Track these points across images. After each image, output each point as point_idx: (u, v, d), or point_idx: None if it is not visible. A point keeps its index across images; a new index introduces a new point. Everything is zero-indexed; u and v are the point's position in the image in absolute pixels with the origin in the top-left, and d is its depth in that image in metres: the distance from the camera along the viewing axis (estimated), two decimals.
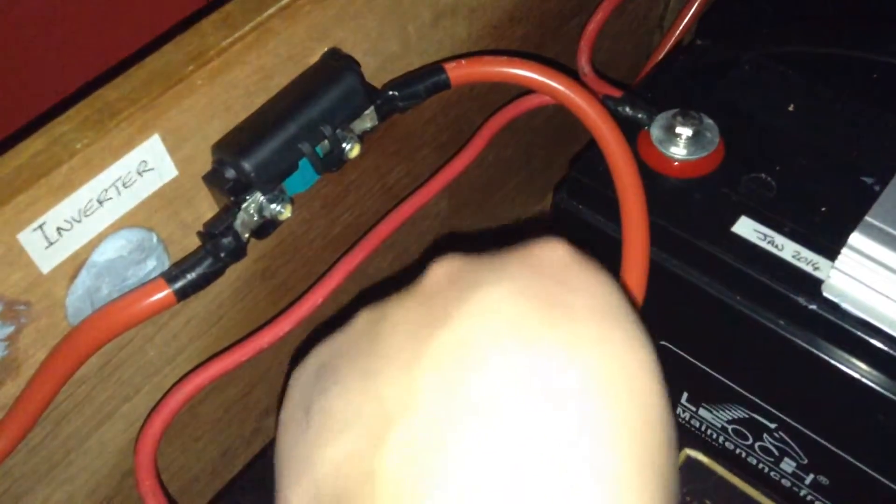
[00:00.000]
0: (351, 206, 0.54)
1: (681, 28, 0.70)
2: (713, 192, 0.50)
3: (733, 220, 0.49)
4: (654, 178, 0.51)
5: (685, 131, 0.50)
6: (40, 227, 0.35)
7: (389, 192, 0.57)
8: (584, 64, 0.57)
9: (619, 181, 0.45)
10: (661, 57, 0.70)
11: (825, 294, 0.45)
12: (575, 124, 0.76)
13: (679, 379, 0.57)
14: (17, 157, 0.35)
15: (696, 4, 0.70)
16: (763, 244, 0.47)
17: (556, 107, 0.69)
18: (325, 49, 0.44)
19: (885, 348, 0.44)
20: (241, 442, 0.59)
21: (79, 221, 0.37)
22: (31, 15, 0.57)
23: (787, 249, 0.47)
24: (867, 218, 0.45)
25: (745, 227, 0.48)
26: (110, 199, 0.37)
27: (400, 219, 0.52)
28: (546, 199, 0.80)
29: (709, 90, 0.55)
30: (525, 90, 0.60)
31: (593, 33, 0.58)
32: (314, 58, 0.44)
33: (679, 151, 0.50)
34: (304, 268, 0.53)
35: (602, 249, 0.53)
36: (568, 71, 0.52)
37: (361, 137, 0.44)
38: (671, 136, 0.51)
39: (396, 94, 0.45)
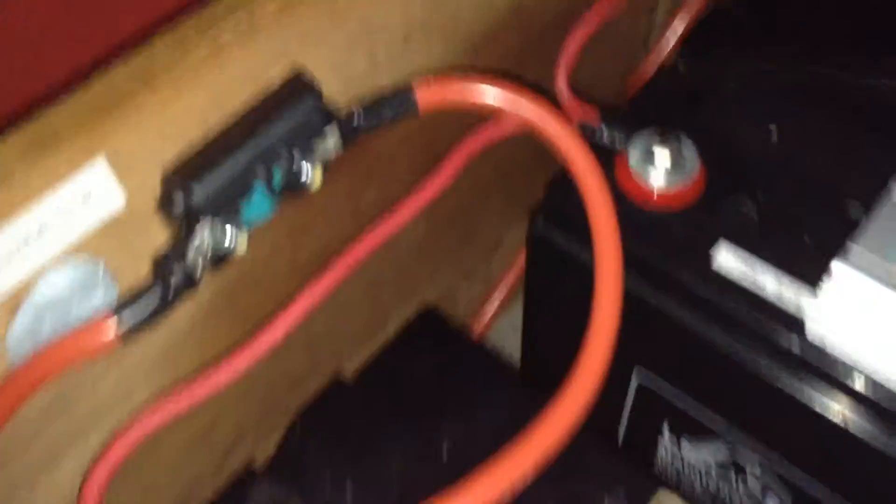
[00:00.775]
0: (319, 231, 0.52)
1: (666, 49, 0.68)
2: (693, 219, 0.48)
3: (713, 250, 0.47)
4: (631, 206, 0.49)
5: (663, 155, 0.48)
6: None
7: (360, 218, 0.55)
8: (561, 85, 0.55)
9: (591, 212, 0.43)
10: (645, 78, 0.69)
11: (807, 332, 0.43)
12: None
13: (660, 407, 0.54)
14: None
15: (680, 24, 0.69)
16: (744, 276, 0.45)
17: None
18: (287, 69, 0.42)
19: (866, 391, 0.42)
20: (205, 480, 0.56)
21: (17, 253, 0.34)
22: None
23: (770, 282, 0.45)
24: (850, 244, 0.43)
25: (726, 257, 0.46)
26: (52, 228, 0.35)
27: (370, 246, 0.50)
28: (527, 219, 0.78)
29: (690, 112, 0.53)
30: None
31: (573, 53, 0.56)
32: (273, 78, 0.41)
33: (658, 179, 0.48)
34: (268, 297, 0.51)
35: (578, 278, 0.52)
36: (546, 92, 0.50)
37: (325, 166, 0.42)
38: (649, 158, 0.49)
39: (361, 116, 0.43)
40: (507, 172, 0.70)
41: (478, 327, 0.75)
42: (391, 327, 0.69)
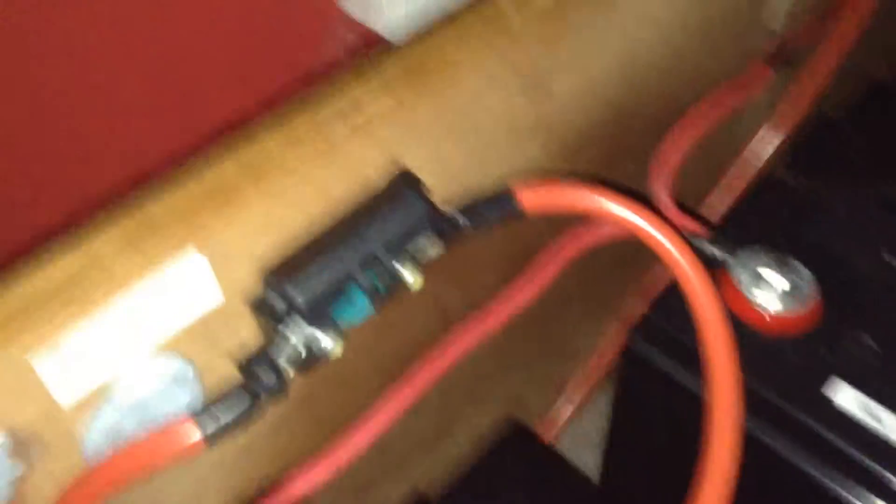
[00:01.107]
0: (404, 333, 0.50)
1: (759, 157, 0.66)
2: (808, 349, 0.45)
3: (830, 387, 0.43)
4: (737, 329, 0.45)
5: (777, 280, 0.45)
6: (61, 352, 0.31)
7: (445, 317, 0.53)
8: (660, 192, 0.53)
9: (704, 335, 0.40)
10: (733, 183, 0.66)
11: None
12: (639, 247, 0.72)
13: None
14: (45, 272, 0.31)
15: (777, 133, 0.66)
16: (864, 418, 0.42)
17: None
18: (392, 167, 0.40)
19: None
20: None
21: (107, 349, 0.33)
22: (75, 107, 0.54)
23: (893, 426, 0.41)
24: None
25: (845, 396, 0.43)
26: (145, 323, 0.33)
27: (456, 354, 0.47)
28: (604, 325, 0.75)
29: (798, 231, 0.50)
30: None
31: (670, 158, 0.54)
32: (378, 174, 0.40)
33: (770, 300, 0.45)
34: (347, 397, 0.48)
35: (676, 401, 0.48)
36: (642, 198, 0.48)
37: (423, 265, 0.40)
38: (756, 279, 0.46)
39: (465, 220, 0.41)
40: (590, 280, 0.67)
41: (548, 435, 0.72)
42: (460, 432, 0.65)
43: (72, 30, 0.52)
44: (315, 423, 0.47)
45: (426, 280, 0.48)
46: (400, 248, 0.38)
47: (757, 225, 0.51)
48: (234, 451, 0.42)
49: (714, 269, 0.47)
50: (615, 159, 0.59)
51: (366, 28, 0.67)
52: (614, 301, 0.73)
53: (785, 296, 0.45)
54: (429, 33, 0.41)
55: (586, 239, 0.50)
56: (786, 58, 0.62)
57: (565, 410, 0.72)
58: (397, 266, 0.37)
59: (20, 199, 0.56)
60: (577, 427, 0.83)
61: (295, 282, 0.35)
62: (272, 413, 0.43)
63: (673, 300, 0.47)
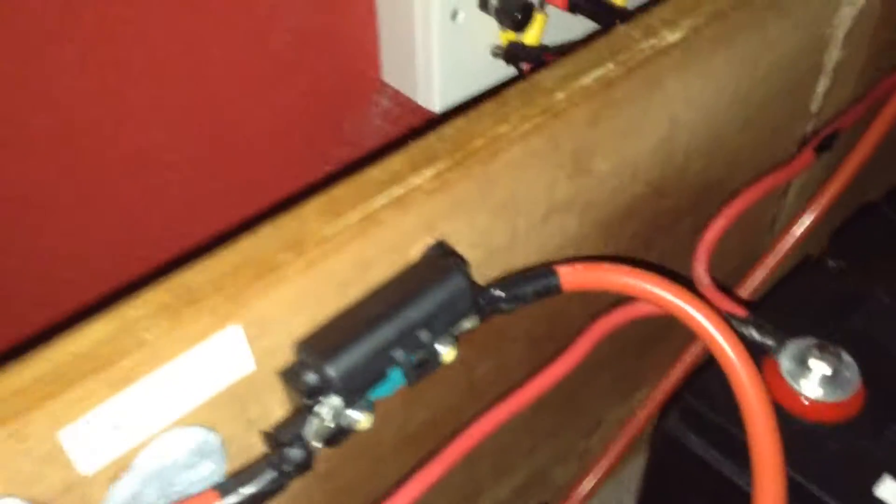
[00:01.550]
0: (431, 402, 0.49)
1: (798, 240, 0.65)
2: (852, 443, 0.43)
3: (876, 481, 0.41)
4: (780, 416, 0.44)
5: (821, 368, 0.44)
6: (88, 423, 0.30)
7: (473, 388, 0.52)
8: (701, 273, 0.52)
9: (749, 422, 0.39)
10: (771, 266, 0.65)
11: None
12: (670, 326, 0.70)
13: None
14: (79, 342, 0.31)
15: (816, 216, 0.65)
16: None
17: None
18: (430, 241, 0.40)
19: None
20: None
21: (133, 419, 0.32)
22: (116, 175, 0.55)
23: None
24: None
25: (891, 491, 0.41)
26: (173, 394, 0.33)
27: (485, 429, 0.46)
28: (632, 398, 0.73)
29: (844, 320, 0.49)
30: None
31: (712, 241, 0.53)
32: (418, 249, 0.39)
33: (813, 389, 0.44)
34: (370, 468, 0.47)
35: (711, 487, 0.47)
36: (679, 276, 0.47)
37: (457, 339, 0.39)
38: (803, 369, 0.45)
39: (502, 295, 0.41)
40: (620, 353, 0.66)
41: None
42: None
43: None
44: (335, 496, 0.45)
45: (458, 350, 0.48)
46: (437, 322, 0.37)
47: (797, 309, 0.50)
48: None
49: (757, 354, 0.46)
50: (652, 238, 0.58)
51: (406, 98, 0.68)
52: (642, 375, 0.72)
53: (827, 382, 0.43)
54: (472, 109, 0.41)
55: (623, 316, 0.49)
56: (825, 141, 0.62)
57: (587, 485, 0.70)
58: (435, 343, 0.37)
59: (66, 277, 0.56)
60: (597, 501, 0.81)
61: (332, 359, 0.34)
62: (292, 485, 0.42)
63: (711, 381, 0.46)
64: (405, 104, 0.69)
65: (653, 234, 0.58)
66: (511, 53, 0.58)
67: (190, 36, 0.54)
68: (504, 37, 0.60)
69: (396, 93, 0.68)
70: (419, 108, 0.66)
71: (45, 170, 0.52)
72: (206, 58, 0.55)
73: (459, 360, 0.49)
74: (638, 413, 0.71)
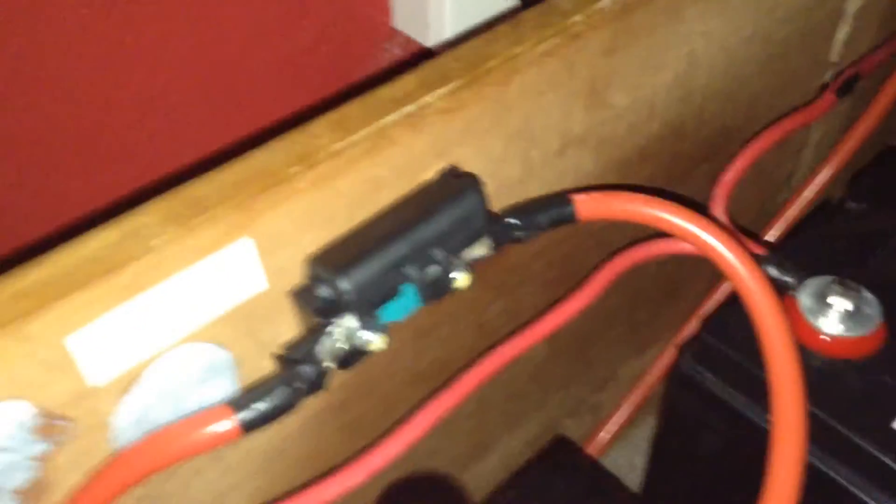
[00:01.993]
0: (443, 339, 0.48)
1: (819, 186, 0.64)
2: (872, 378, 0.42)
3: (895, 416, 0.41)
4: (800, 353, 0.43)
5: (842, 303, 0.43)
6: (95, 331, 0.30)
7: (485, 329, 0.51)
8: (719, 214, 0.51)
9: (771, 356, 0.38)
10: (791, 213, 0.64)
11: None
12: (688, 276, 0.69)
13: None
14: (82, 246, 0.30)
15: (834, 164, 0.64)
16: None
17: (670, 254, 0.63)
18: (443, 165, 0.39)
19: None
20: None
21: (143, 329, 0.31)
22: (128, 87, 0.54)
23: None
24: None
25: None
26: (183, 307, 0.32)
27: (497, 363, 0.45)
28: (646, 353, 0.72)
29: (864, 260, 0.48)
30: (649, 232, 0.54)
31: (730, 182, 0.52)
32: (429, 173, 0.39)
33: (833, 326, 0.43)
34: (381, 404, 0.47)
35: (727, 426, 0.46)
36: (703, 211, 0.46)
37: (471, 266, 0.39)
38: (823, 306, 0.44)
39: (517, 222, 0.40)
40: (635, 304, 0.65)
41: None
42: (494, 456, 0.63)
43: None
44: (346, 431, 0.45)
45: (469, 287, 0.47)
46: (453, 244, 0.36)
47: (817, 250, 0.49)
48: (263, 451, 0.40)
49: (782, 294, 0.45)
50: (668, 183, 0.57)
51: (417, 45, 0.67)
52: (655, 331, 0.71)
53: (849, 319, 0.42)
54: (488, 32, 0.40)
55: (641, 253, 0.48)
56: (846, 84, 0.60)
57: (602, 440, 0.70)
58: (449, 262, 0.36)
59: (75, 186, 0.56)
60: (609, 460, 0.80)
61: (345, 272, 0.33)
62: (304, 414, 0.42)
63: (727, 320, 0.45)
64: (416, 51, 0.68)
65: (668, 179, 0.57)
66: None
67: None
68: None
69: (408, 40, 0.67)
70: (430, 55, 0.65)
71: (56, 106, 0.52)
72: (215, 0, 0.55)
73: (471, 298, 0.48)
74: (651, 370, 0.70)
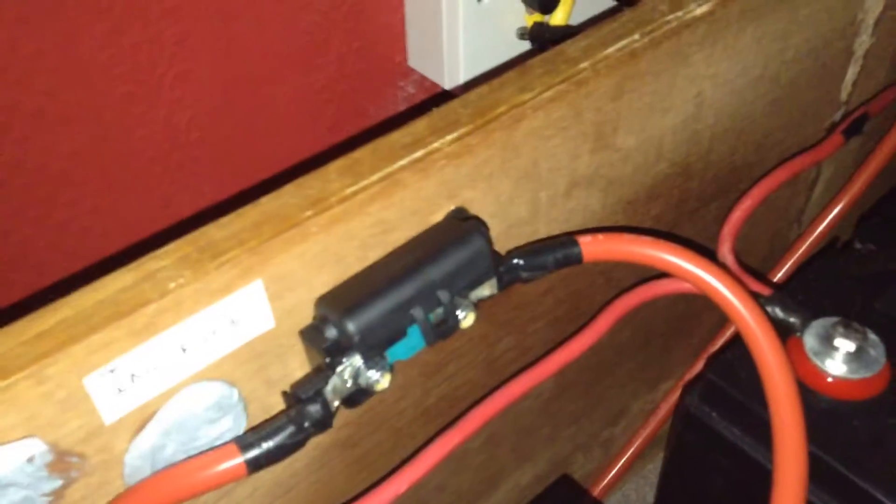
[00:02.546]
0: (450, 376, 0.49)
1: (826, 225, 0.64)
2: (876, 421, 0.42)
3: None
4: (804, 394, 0.43)
5: (846, 345, 0.43)
6: (111, 371, 0.31)
7: (493, 365, 0.52)
8: (726, 253, 0.51)
9: (772, 397, 0.38)
10: (800, 252, 0.64)
11: None
12: (699, 312, 0.70)
13: None
14: (100, 290, 0.31)
15: (844, 203, 0.65)
16: None
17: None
18: (452, 208, 0.40)
19: None
20: None
21: (156, 369, 0.32)
22: (143, 133, 0.56)
23: None
24: None
25: None
26: (195, 347, 0.33)
27: (505, 400, 0.46)
28: (658, 389, 0.73)
29: (870, 301, 0.48)
30: (658, 271, 0.54)
31: (738, 221, 0.53)
32: (439, 216, 0.40)
33: (838, 368, 0.43)
34: (389, 440, 0.47)
35: (732, 466, 0.46)
36: (710, 256, 0.47)
37: (476, 305, 0.39)
38: (828, 348, 0.44)
39: (522, 263, 0.41)
40: (646, 339, 0.65)
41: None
42: (502, 492, 0.64)
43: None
44: (354, 467, 0.46)
45: (477, 324, 0.48)
46: (459, 285, 0.37)
47: (823, 290, 0.49)
48: (269, 488, 0.41)
49: (786, 335, 0.46)
50: (676, 222, 0.58)
51: (431, 84, 0.68)
52: (666, 368, 0.71)
53: (854, 360, 0.43)
54: (496, 80, 0.41)
55: (647, 292, 0.48)
56: (854, 124, 0.61)
57: (610, 475, 0.70)
58: (455, 303, 0.37)
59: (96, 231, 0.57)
60: (621, 495, 0.80)
61: (352, 314, 0.34)
62: (312, 450, 0.42)
63: (733, 360, 0.46)
64: (430, 90, 0.70)
65: (677, 218, 0.57)
66: (536, 34, 0.58)
67: (221, 12, 0.54)
68: (529, 18, 0.60)
69: (423, 78, 0.68)
70: (445, 94, 0.66)
71: (78, 138, 0.53)
72: (236, 35, 0.56)
73: (479, 335, 0.49)
74: (662, 405, 0.71)
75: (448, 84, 0.64)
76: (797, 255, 0.64)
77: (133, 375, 0.32)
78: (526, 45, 0.63)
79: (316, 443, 0.42)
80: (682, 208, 0.57)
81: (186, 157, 0.59)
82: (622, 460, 0.71)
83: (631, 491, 0.82)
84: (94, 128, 0.54)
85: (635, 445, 0.71)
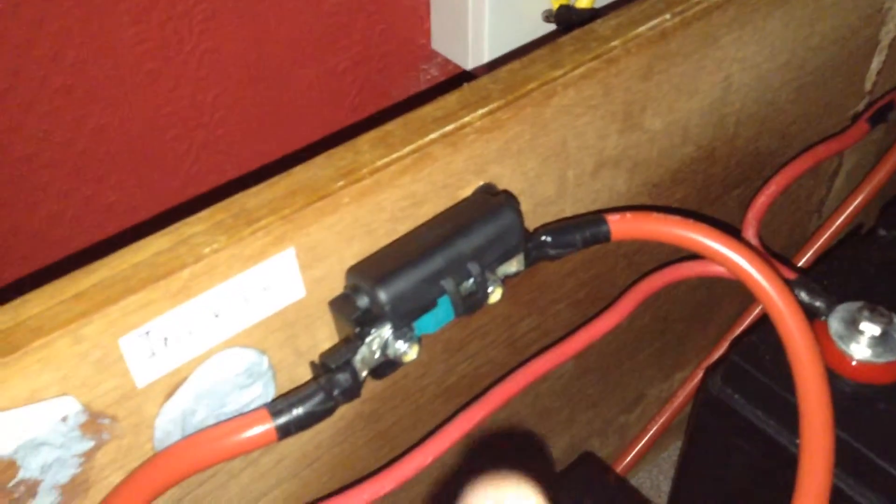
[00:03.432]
0: (473, 354, 0.49)
1: (848, 212, 0.64)
2: None
3: None
4: (828, 378, 0.43)
5: (871, 329, 0.43)
6: (146, 334, 0.31)
7: (514, 345, 0.52)
8: (750, 238, 0.51)
9: (800, 378, 0.38)
10: (823, 239, 0.64)
11: None
12: (718, 301, 0.70)
13: None
14: (137, 253, 0.31)
15: (866, 193, 0.64)
16: None
17: (701, 278, 0.63)
18: (480, 183, 0.40)
19: None
20: None
21: (189, 333, 0.32)
22: (179, 104, 0.56)
23: None
24: None
25: None
26: (228, 313, 0.33)
27: (528, 378, 0.46)
28: (673, 377, 0.73)
29: (894, 286, 0.48)
30: (680, 254, 0.54)
31: (763, 206, 0.53)
32: (467, 191, 0.40)
33: (863, 351, 0.43)
34: (411, 415, 0.48)
35: (753, 448, 0.46)
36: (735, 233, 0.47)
37: (503, 282, 0.39)
38: (853, 332, 0.44)
39: (550, 240, 0.41)
40: (665, 327, 0.65)
41: None
42: None
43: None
44: (377, 441, 0.46)
45: (501, 304, 0.48)
46: (488, 259, 0.37)
47: (849, 276, 0.49)
48: (295, 458, 0.41)
49: (811, 319, 0.45)
50: (699, 204, 0.58)
51: (455, 67, 0.68)
52: (684, 355, 0.71)
53: (878, 344, 0.43)
54: (526, 56, 0.42)
55: (672, 275, 0.48)
56: (879, 113, 0.61)
57: (627, 461, 0.70)
58: (485, 276, 0.37)
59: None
60: (634, 482, 0.80)
61: (383, 283, 0.34)
62: (337, 422, 0.43)
63: (758, 343, 0.46)
64: (453, 73, 0.70)
65: (700, 203, 0.57)
66: (562, 17, 0.58)
67: None
68: (555, 1, 0.60)
69: (445, 61, 0.68)
70: (467, 77, 0.66)
71: (104, 114, 0.53)
72: (262, 15, 0.56)
73: (503, 314, 0.49)
74: (678, 392, 0.71)
75: (471, 65, 0.64)
76: (820, 242, 0.64)
77: (166, 339, 0.32)
78: (549, 28, 0.63)
79: (341, 415, 0.42)
80: (706, 194, 0.57)
81: (210, 135, 0.59)
82: (637, 447, 0.71)
83: (644, 479, 0.82)
84: (121, 104, 0.54)
85: (651, 432, 0.71)
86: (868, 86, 0.66)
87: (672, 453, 0.82)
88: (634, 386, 0.69)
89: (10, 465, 0.31)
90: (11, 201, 0.53)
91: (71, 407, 0.31)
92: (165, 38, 0.53)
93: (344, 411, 0.42)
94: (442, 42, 0.66)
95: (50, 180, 0.53)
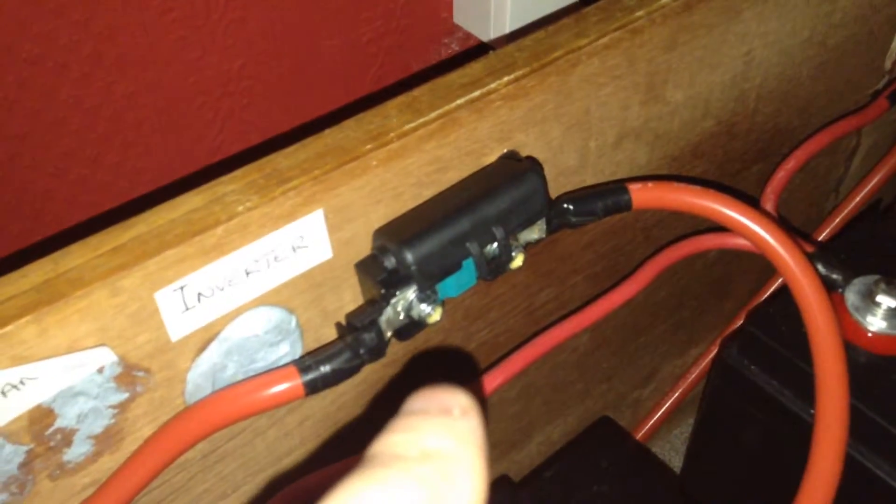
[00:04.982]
0: (492, 322, 0.50)
1: (866, 190, 0.64)
2: None
3: None
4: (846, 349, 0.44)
5: (887, 301, 0.44)
6: (181, 288, 0.32)
7: (532, 315, 0.52)
8: (770, 210, 0.52)
9: (817, 347, 0.39)
10: (842, 216, 0.65)
11: None
12: (734, 277, 0.70)
13: None
14: (172, 209, 0.32)
15: (884, 171, 0.65)
16: None
17: (718, 254, 0.64)
18: (504, 150, 0.41)
19: None
20: None
21: (221, 290, 0.33)
22: (210, 69, 0.57)
23: None
24: None
25: None
26: (259, 271, 0.34)
27: (543, 347, 0.47)
28: (688, 353, 0.73)
29: None
30: (698, 228, 0.55)
31: (782, 181, 0.53)
32: (491, 158, 0.40)
33: (879, 324, 0.44)
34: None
35: (768, 418, 0.47)
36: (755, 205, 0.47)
37: (525, 248, 0.40)
38: (870, 304, 0.44)
39: (572, 207, 0.41)
40: (681, 302, 0.66)
41: None
42: (533, 445, 0.65)
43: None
44: (398, 403, 0.47)
45: (517, 275, 0.49)
46: (512, 224, 0.38)
47: (866, 250, 0.50)
48: (318, 418, 0.42)
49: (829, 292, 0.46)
50: (719, 178, 0.58)
51: (477, 41, 0.68)
52: (698, 332, 0.72)
53: (893, 315, 0.43)
54: (552, 26, 0.42)
55: (690, 247, 0.49)
56: None
57: (638, 435, 0.71)
58: (508, 241, 0.38)
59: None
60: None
61: (410, 244, 0.35)
62: (359, 386, 0.43)
63: (774, 313, 0.46)
64: (473, 47, 0.70)
65: (720, 178, 0.58)
66: None
67: None
68: None
69: (467, 35, 0.69)
70: (487, 51, 0.67)
71: (132, 81, 0.54)
72: None
73: (522, 283, 0.50)
74: (692, 369, 0.71)
75: (493, 35, 0.64)
76: (837, 220, 0.64)
77: (200, 294, 0.33)
78: (568, 1, 0.63)
79: (363, 377, 0.43)
80: (725, 168, 0.57)
81: (236, 104, 0.60)
82: (650, 422, 0.72)
83: (656, 454, 0.82)
84: (149, 71, 0.55)
85: (664, 408, 0.72)
86: (888, 64, 0.66)
87: (684, 430, 0.82)
88: (649, 361, 0.70)
89: (48, 413, 0.32)
90: (42, 165, 0.54)
91: (107, 358, 0.32)
92: (194, 6, 0.53)
93: (367, 374, 0.43)
94: (464, 15, 0.66)
95: (79, 145, 0.54)
